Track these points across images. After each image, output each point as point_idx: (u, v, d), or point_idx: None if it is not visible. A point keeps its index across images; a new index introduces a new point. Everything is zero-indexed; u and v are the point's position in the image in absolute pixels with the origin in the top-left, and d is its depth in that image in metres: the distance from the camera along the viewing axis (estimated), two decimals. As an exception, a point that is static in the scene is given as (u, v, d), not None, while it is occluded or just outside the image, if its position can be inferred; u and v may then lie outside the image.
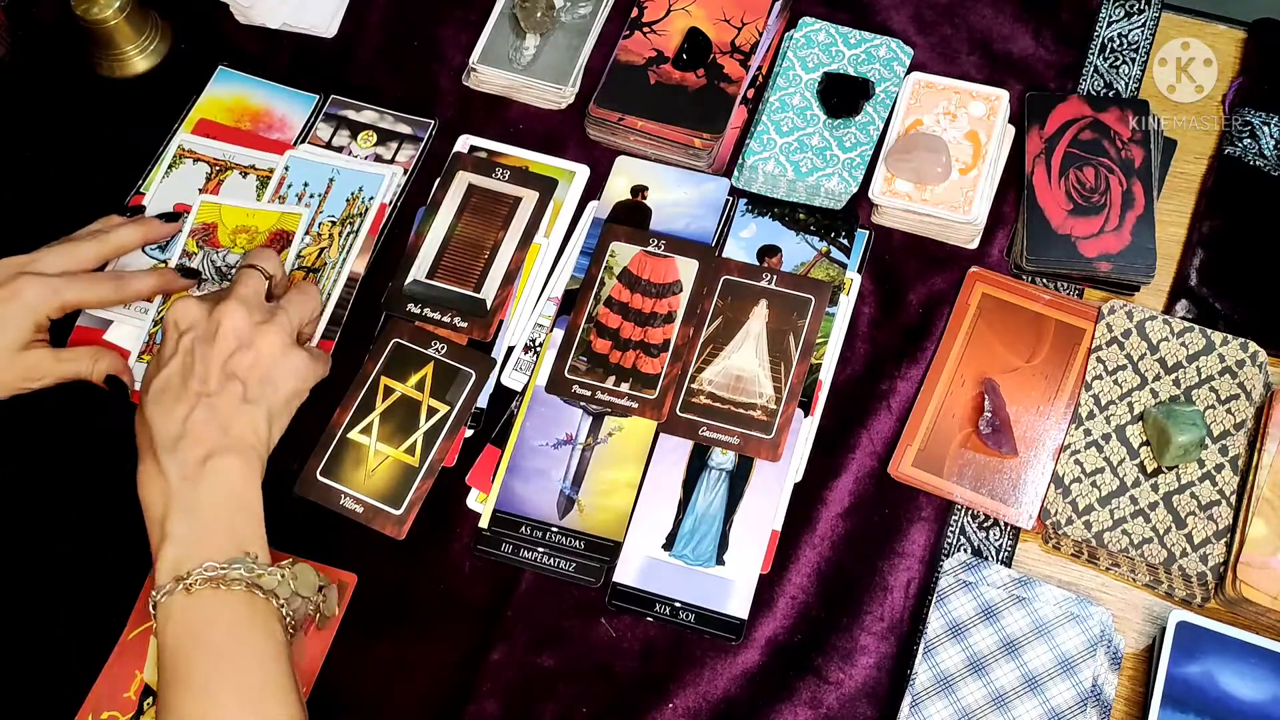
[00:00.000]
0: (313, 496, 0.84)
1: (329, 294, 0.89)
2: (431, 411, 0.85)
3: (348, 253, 0.91)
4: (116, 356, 0.86)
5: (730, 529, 0.81)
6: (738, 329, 0.86)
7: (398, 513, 0.83)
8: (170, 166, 0.96)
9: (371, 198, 0.93)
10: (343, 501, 0.83)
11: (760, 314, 0.86)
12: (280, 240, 0.91)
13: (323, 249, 0.91)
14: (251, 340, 0.78)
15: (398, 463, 0.84)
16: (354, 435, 0.85)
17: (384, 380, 0.86)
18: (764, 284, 0.87)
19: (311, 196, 0.94)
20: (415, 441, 0.85)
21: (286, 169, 0.95)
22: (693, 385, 0.85)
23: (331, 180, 0.94)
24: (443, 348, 0.87)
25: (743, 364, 0.85)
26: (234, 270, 0.87)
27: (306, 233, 0.92)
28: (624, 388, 0.85)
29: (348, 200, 0.93)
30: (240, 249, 0.91)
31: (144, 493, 0.74)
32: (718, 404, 0.84)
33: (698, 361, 0.85)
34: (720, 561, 0.81)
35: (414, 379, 0.86)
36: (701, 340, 0.86)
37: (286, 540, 0.84)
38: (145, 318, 0.89)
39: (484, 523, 0.83)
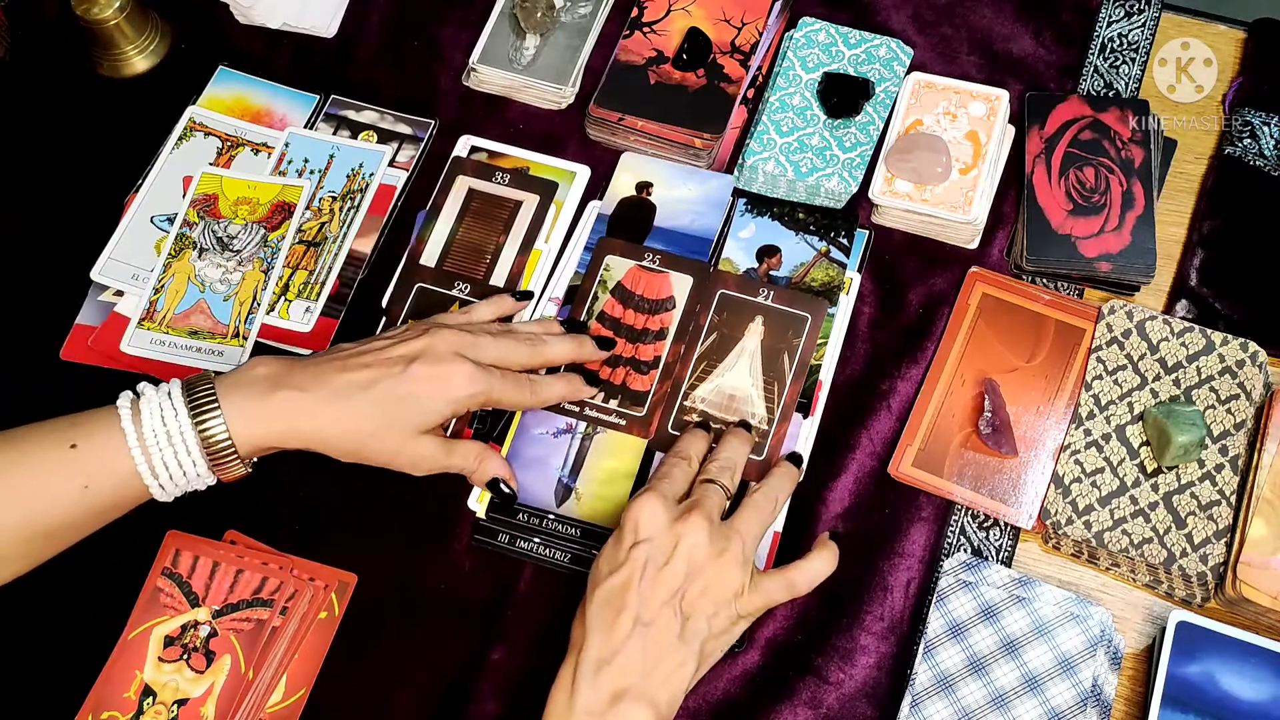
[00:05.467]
0: None
1: (329, 269, 0.91)
2: None
3: (348, 228, 0.92)
4: (502, 461, 0.81)
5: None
6: (733, 345, 0.85)
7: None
8: (180, 139, 0.97)
9: (372, 174, 0.94)
10: None
11: (756, 331, 0.85)
12: (282, 212, 0.93)
13: (323, 224, 0.93)
14: (703, 567, 0.71)
15: None
16: None
17: (413, 323, 0.87)
18: (760, 299, 0.86)
19: (312, 172, 0.95)
20: None
21: (287, 145, 0.96)
22: (685, 403, 0.84)
23: (332, 156, 0.96)
24: (466, 287, 0.89)
25: (736, 382, 0.84)
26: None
27: (307, 207, 0.93)
28: (612, 404, 0.85)
29: (348, 176, 0.95)
30: (241, 220, 0.92)
31: (552, 695, 0.70)
32: (710, 423, 0.83)
33: (691, 378, 0.85)
34: (720, 562, 0.80)
35: None
36: (696, 356, 0.85)
37: (287, 540, 0.84)
38: (145, 286, 0.91)
39: (481, 511, 0.83)
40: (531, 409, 0.84)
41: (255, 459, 0.76)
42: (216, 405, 0.73)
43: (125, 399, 0.73)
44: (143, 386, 0.74)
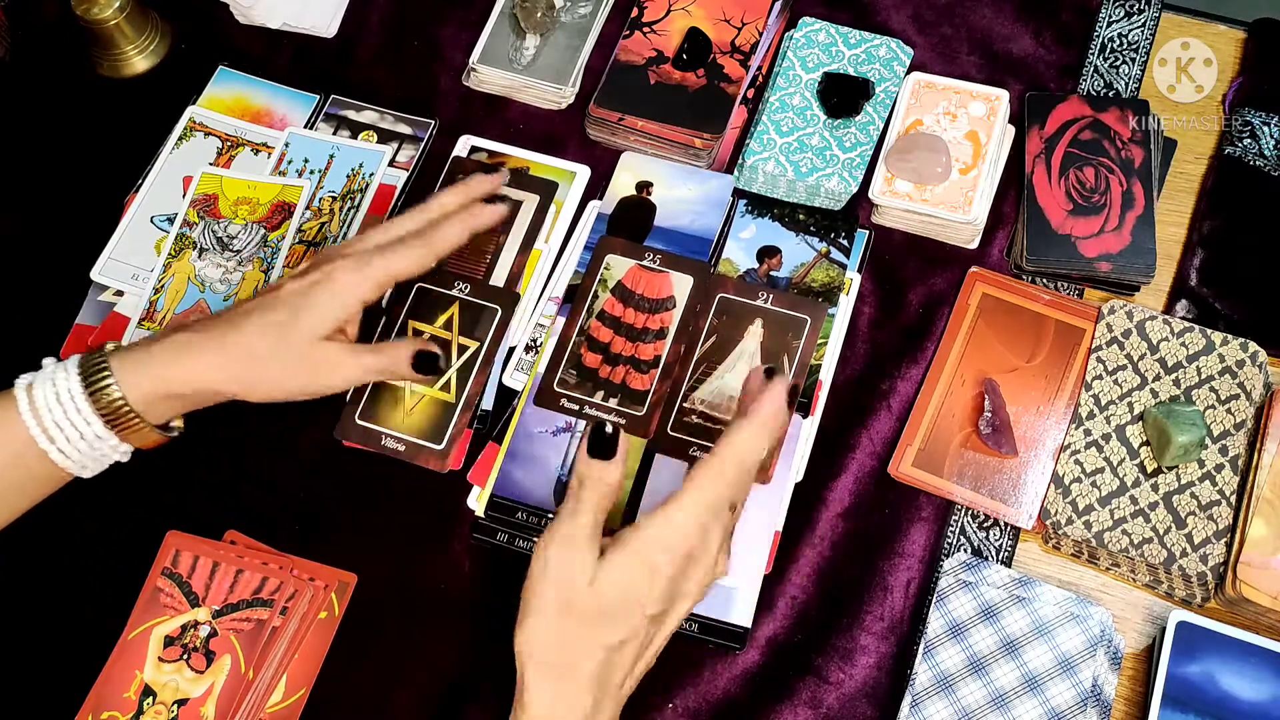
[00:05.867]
0: (354, 440, 0.85)
1: None
2: (462, 349, 0.87)
3: (348, 228, 0.92)
4: (412, 339, 0.80)
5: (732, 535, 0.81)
6: (732, 347, 0.85)
7: (440, 448, 0.84)
8: (180, 139, 0.97)
9: (372, 174, 0.95)
10: (384, 442, 0.85)
11: (755, 333, 0.85)
12: (282, 212, 0.93)
13: (323, 224, 0.93)
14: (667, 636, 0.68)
15: (435, 400, 0.85)
16: None
17: (412, 324, 0.88)
18: (759, 303, 0.86)
19: (312, 172, 0.95)
20: (450, 379, 0.86)
21: (287, 145, 0.97)
22: (685, 404, 0.84)
23: (332, 156, 0.96)
24: (466, 287, 0.89)
25: (736, 384, 0.84)
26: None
27: (307, 207, 0.93)
28: (612, 403, 0.84)
29: (348, 176, 0.95)
30: (241, 220, 0.93)
31: (542, 707, 0.64)
32: (709, 424, 0.83)
33: (691, 380, 0.84)
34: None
35: (441, 319, 0.88)
36: (696, 358, 0.85)
37: (287, 540, 0.84)
38: (145, 286, 0.91)
39: (480, 509, 0.83)
40: (435, 262, 0.78)
41: (172, 422, 0.76)
42: (106, 363, 0.72)
43: (26, 376, 0.73)
44: (45, 360, 0.74)
